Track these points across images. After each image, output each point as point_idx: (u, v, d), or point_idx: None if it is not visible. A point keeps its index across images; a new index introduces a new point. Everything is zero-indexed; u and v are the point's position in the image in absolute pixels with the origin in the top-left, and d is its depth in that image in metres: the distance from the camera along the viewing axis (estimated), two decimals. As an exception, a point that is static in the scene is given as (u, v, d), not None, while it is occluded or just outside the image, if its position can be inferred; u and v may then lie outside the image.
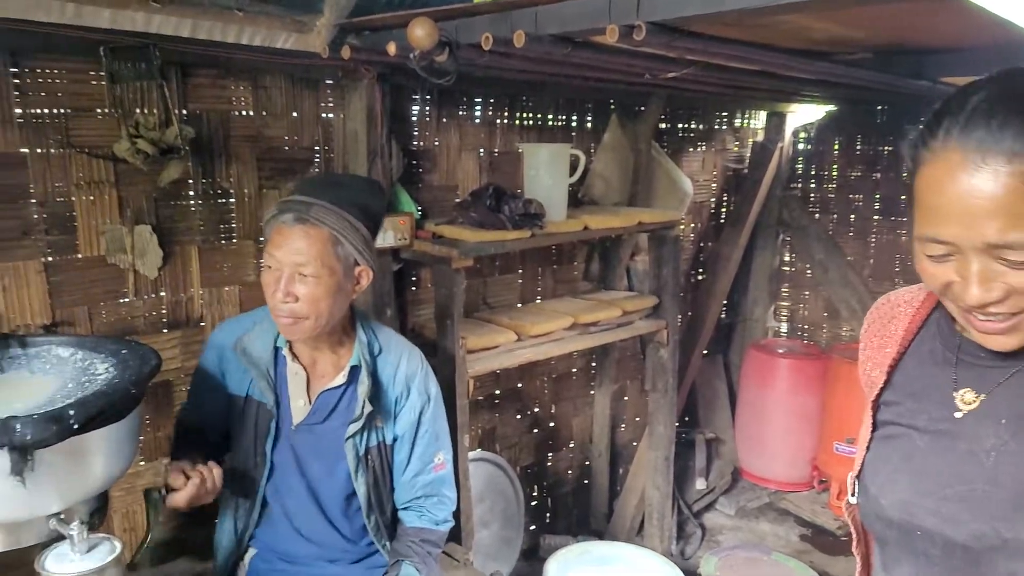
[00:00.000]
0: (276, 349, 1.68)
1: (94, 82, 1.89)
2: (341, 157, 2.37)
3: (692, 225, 3.92)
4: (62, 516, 1.29)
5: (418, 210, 2.51)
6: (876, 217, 4.03)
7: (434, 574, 1.73)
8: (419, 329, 2.72)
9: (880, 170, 3.99)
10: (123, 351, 1.49)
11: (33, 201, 1.87)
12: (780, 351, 4.04)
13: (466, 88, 2.66)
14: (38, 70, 1.82)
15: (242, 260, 2.26)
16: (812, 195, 4.25)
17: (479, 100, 2.75)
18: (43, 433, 1.15)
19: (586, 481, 3.65)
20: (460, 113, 2.70)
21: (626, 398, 3.75)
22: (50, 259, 1.92)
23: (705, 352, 4.06)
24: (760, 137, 4.09)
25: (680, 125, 3.67)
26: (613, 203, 3.14)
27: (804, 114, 4.04)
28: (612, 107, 3.19)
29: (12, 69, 1.78)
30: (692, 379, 3.96)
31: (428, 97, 2.50)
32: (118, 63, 1.82)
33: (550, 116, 3.03)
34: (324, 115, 2.33)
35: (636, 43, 1.37)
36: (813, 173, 4.23)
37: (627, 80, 2.41)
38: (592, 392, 3.54)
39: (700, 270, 4.08)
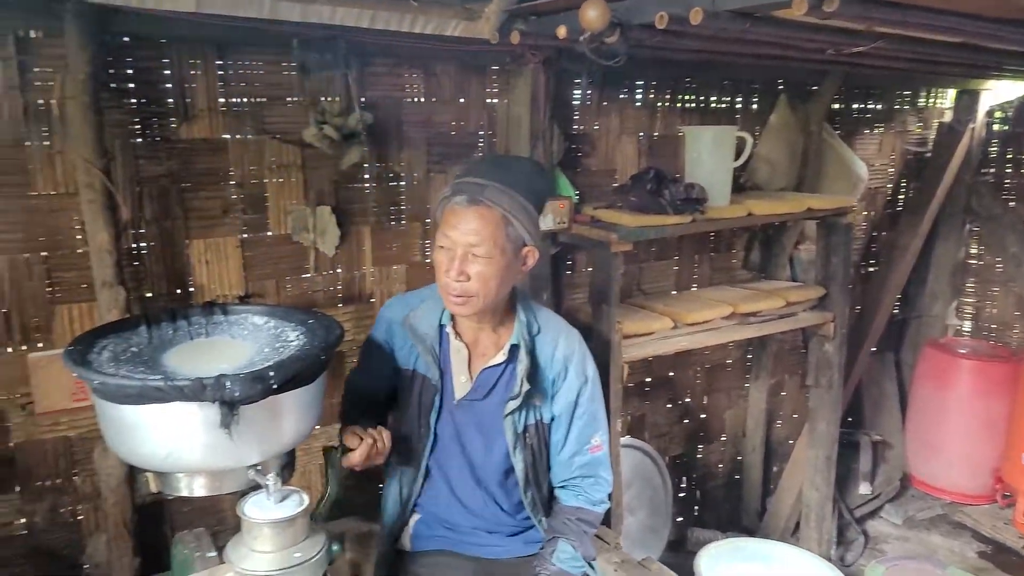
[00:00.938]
0: (440, 327, 1.74)
1: (285, 73, 2.05)
2: (504, 141, 2.42)
3: (865, 213, 3.66)
4: (259, 468, 1.42)
5: (576, 194, 2.51)
6: (1085, 207, 3.58)
7: (590, 553, 1.75)
8: (573, 313, 2.74)
9: (1093, 154, 3.54)
10: (310, 321, 1.61)
11: (232, 183, 2.06)
12: (963, 351, 3.69)
13: (628, 71, 2.63)
14: (239, 62, 2.00)
15: (410, 241, 2.37)
16: (1007, 181, 3.83)
17: (641, 83, 2.71)
18: (249, 391, 1.27)
19: (737, 476, 3.53)
20: (621, 96, 2.68)
21: (783, 393, 3.58)
22: (245, 236, 2.11)
23: (874, 349, 3.80)
24: (947, 117, 3.73)
25: (856, 105, 3.43)
26: (778, 188, 3.00)
27: (1001, 91, 3.64)
28: (781, 87, 3.04)
29: (218, 62, 1.96)
30: (859, 377, 3.71)
31: (590, 81, 2.49)
32: (308, 54, 1.95)
33: (713, 98, 2.94)
34: (489, 100, 2.39)
35: (825, 15, 1.29)
36: (1009, 157, 3.81)
37: (803, 57, 2.28)
38: (747, 385, 3.42)
39: (872, 261, 3.80)
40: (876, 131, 3.56)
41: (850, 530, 3.46)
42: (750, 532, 3.43)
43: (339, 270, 2.27)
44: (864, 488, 3.62)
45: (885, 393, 3.95)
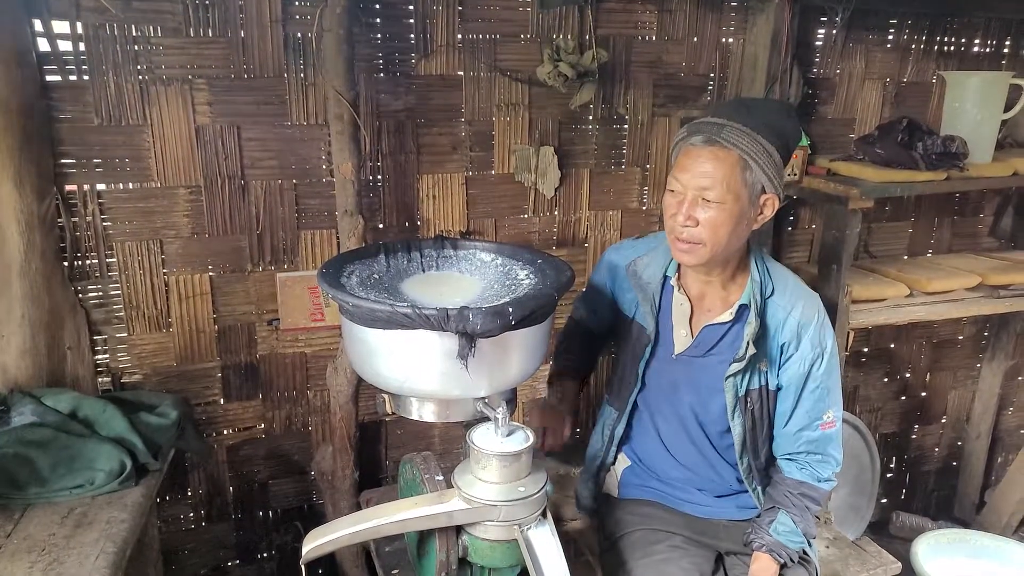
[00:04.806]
0: (665, 278, 1.67)
1: (521, 9, 2.03)
2: (735, 84, 2.27)
3: None
4: (487, 401, 1.44)
5: (808, 144, 2.31)
6: None
7: (811, 531, 1.64)
8: (790, 272, 2.56)
9: None
10: (539, 260, 1.60)
11: (463, 120, 2.09)
12: None
13: (882, 7, 2.35)
14: (478, -4, 2.00)
15: (627, 186, 2.31)
16: None
17: (894, 21, 2.42)
18: (489, 325, 1.28)
19: (955, 463, 3.24)
20: (870, 37, 2.41)
21: (1021, 378, 3.18)
22: (470, 174, 2.14)
23: None
24: None
25: None
26: (1046, 146, 2.60)
27: None
28: (1064, 27, 2.60)
29: (458, -4, 1.98)
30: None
31: (840, 18, 2.25)
32: (550, -11, 1.91)
33: (976, 40, 2.57)
34: (724, 40, 2.24)
35: None
36: None
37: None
38: (979, 365, 3.07)
39: None
40: None
41: (1090, 540, 3.05)
42: (964, 524, 3.12)
43: (556, 212, 2.26)
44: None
45: None
